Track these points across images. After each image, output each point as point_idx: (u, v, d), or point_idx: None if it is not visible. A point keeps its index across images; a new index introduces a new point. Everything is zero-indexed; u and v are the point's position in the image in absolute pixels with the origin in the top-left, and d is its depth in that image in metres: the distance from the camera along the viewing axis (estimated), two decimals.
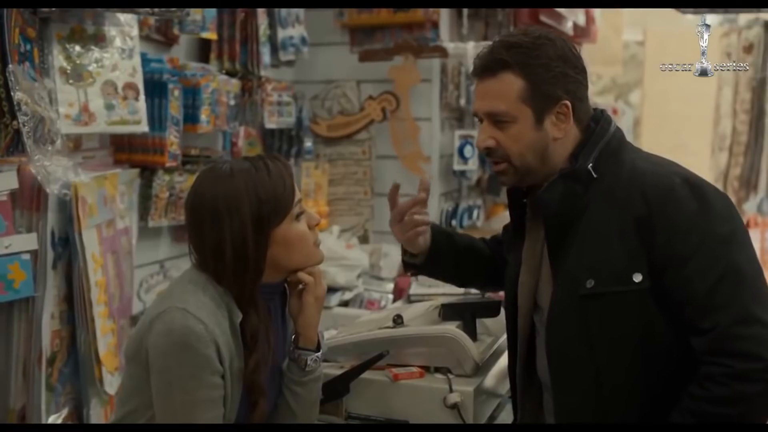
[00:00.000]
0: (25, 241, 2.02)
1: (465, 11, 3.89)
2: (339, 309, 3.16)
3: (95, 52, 2.26)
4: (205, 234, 1.56)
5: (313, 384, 1.69)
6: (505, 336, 1.92)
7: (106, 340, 2.26)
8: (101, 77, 2.28)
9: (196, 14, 2.76)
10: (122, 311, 2.42)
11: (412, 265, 1.96)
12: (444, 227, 2.01)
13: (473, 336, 1.92)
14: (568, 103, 1.59)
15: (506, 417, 1.98)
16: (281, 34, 3.36)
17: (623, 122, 5.67)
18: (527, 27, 1.67)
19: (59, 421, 2.13)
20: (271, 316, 1.65)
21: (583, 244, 1.57)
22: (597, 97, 6.72)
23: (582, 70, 1.64)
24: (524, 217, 1.76)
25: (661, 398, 1.53)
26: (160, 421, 1.53)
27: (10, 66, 1.87)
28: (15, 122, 1.88)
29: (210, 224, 1.54)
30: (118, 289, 2.38)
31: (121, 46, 2.34)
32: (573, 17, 4.50)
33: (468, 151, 3.83)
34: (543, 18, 4.03)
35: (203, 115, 2.77)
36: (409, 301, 2.46)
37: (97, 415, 2.26)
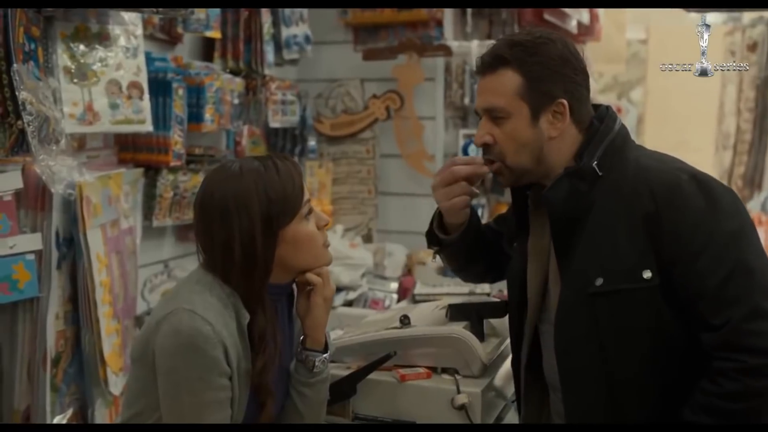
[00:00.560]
0: (30, 241, 2.02)
1: (469, 10, 3.88)
2: (343, 309, 3.15)
3: (99, 51, 2.26)
4: (214, 232, 1.55)
5: (321, 385, 1.69)
6: None
7: (111, 340, 2.25)
8: (105, 76, 2.27)
9: (200, 13, 2.75)
10: (127, 311, 2.41)
11: (438, 241, 1.87)
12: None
13: (480, 337, 1.91)
14: (564, 102, 1.60)
15: (513, 417, 1.97)
16: (285, 32, 3.35)
17: (627, 120, 5.63)
18: (532, 27, 1.69)
19: (64, 422, 2.13)
20: (278, 317, 1.65)
21: (590, 242, 1.57)
22: (599, 95, 6.70)
23: (582, 72, 1.64)
24: (527, 210, 1.76)
25: (671, 395, 1.53)
26: (167, 423, 1.52)
27: (15, 65, 1.86)
28: (20, 122, 1.88)
29: (219, 223, 1.54)
30: (122, 289, 2.38)
31: (126, 45, 2.33)
32: (577, 15, 4.49)
33: (472, 150, 3.81)
34: (547, 16, 4.02)
35: (207, 114, 2.76)
36: (414, 300, 2.44)
37: (101, 415, 2.26)
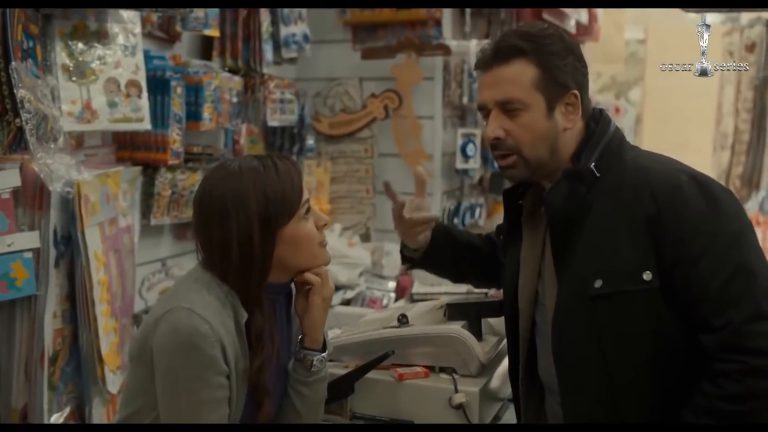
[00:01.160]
0: (28, 240, 2.01)
1: (468, 9, 3.88)
2: (341, 308, 3.15)
3: (98, 49, 2.25)
4: (212, 231, 1.55)
5: (319, 384, 1.69)
6: None
7: (109, 338, 2.25)
8: (104, 74, 2.26)
9: (198, 11, 2.75)
10: (124, 310, 2.41)
11: (410, 259, 1.99)
12: (445, 223, 2.01)
13: (478, 336, 1.91)
14: (577, 93, 1.60)
15: (511, 417, 1.97)
16: (284, 31, 3.35)
17: (625, 120, 5.66)
18: (533, 22, 1.67)
19: (61, 421, 2.12)
20: (276, 316, 1.64)
21: (589, 244, 1.56)
22: (597, 94, 6.71)
23: (585, 65, 1.65)
24: (520, 218, 1.75)
25: (670, 398, 1.52)
26: (165, 422, 1.52)
27: (13, 63, 1.86)
28: (18, 120, 1.87)
29: (217, 222, 1.54)
30: (120, 287, 2.37)
31: (124, 43, 2.33)
32: (576, 15, 4.50)
33: (470, 149, 3.83)
34: (546, 16, 4.02)
35: (206, 113, 2.76)
36: (412, 300, 2.44)
37: (99, 414, 2.26)
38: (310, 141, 3.65)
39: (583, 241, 1.57)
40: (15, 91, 1.85)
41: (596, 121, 1.64)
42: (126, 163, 2.53)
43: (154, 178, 2.63)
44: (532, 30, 1.61)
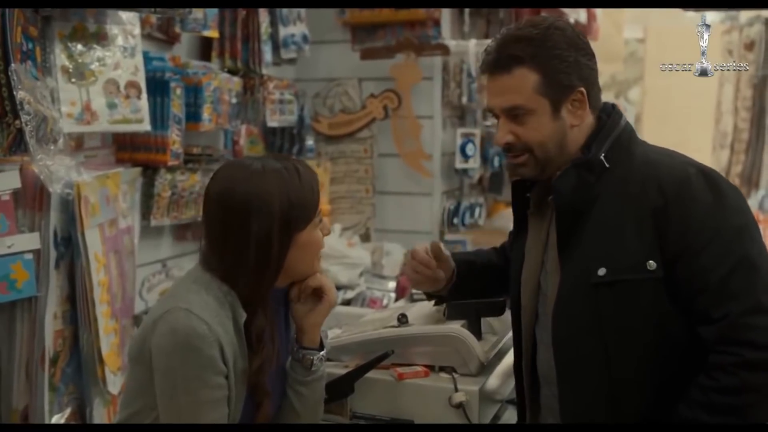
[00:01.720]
0: (28, 241, 2.02)
1: (467, 9, 3.88)
2: (341, 308, 3.14)
3: (97, 51, 2.26)
4: (230, 229, 1.54)
5: (317, 383, 1.69)
6: (509, 335, 1.92)
7: (109, 339, 2.26)
8: (103, 76, 2.27)
9: (197, 12, 2.75)
10: (125, 311, 2.41)
11: (438, 297, 2.01)
12: (465, 253, 2.08)
13: (478, 335, 1.91)
14: (583, 90, 1.60)
15: (511, 416, 1.97)
16: (283, 32, 3.35)
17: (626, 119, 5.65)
18: (534, 18, 1.67)
19: (62, 421, 2.13)
20: (276, 318, 1.65)
21: (594, 233, 1.57)
22: None
23: (592, 56, 1.64)
24: (526, 212, 1.76)
25: (669, 391, 1.53)
26: (164, 422, 1.52)
27: (13, 65, 1.86)
28: (17, 121, 1.87)
29: (239, 220, 1.53)
30: (120, 288, 2.38)
31: (123, 45, 2.33)
32: (575, 15, 4.50)
33: (470, 149, 3.83)
34: (545, 16, 4.01)
35: (205, 114, 2.76)
36: (412, 299, 2.44)
37: (99, 414, 2.26)
38: (310, 141, 3.66)
39: (588, 230, 1.58)
40: (15, 92, 1.86)
41: (608, 114, 1.66)
42: (126, 165, 2.53)
43: (154, 179, 2.64)
44: (531, 32, 1.59)
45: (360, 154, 3.86)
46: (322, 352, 1.68)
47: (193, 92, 2.73)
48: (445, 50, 3.62)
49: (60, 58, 2.16)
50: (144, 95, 2.39)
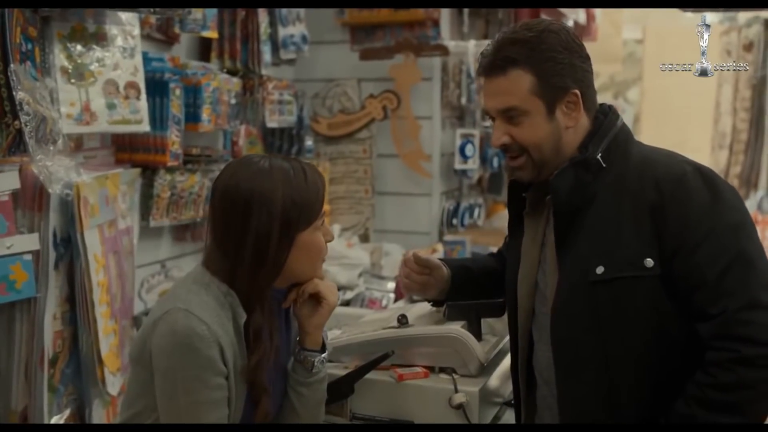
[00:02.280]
0: (27, 242, 2.01)
1: (466, 9, 3.88)
2: (340, 308, 3.13)
3: (96, 51, 2.26)
4: (231, 223, 1.55)
5: (319, 385, 1.69)
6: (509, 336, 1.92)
7: (108, 340, 2.25)
8: (102, 76, 2.27)
9: (196, 13, 2.75)
10: (124, 312, 2.41)
11: (437, 302, 2.02)
12: (462, 259, 2.10)
13: (478, 336, 1.91)
14: (577, 92, 1.61)
15: (511, 417, 1.97)
16: (282, 32, 3.35)
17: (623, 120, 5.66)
18: (529, 21, 1.68)
19: (61, 422, 2.12)
20: (275, 317, 1.64)
21: (591, 231, 1.58)
22: None
23: (587, 58, 1.66)
24: (523, 212, 1.77)
25: (666, 389, 1.53)
26: (164, 423, 1.52)
27: (12, 65, 1.86)
28: (17, 122, 1.87)
29: (240, 214, 1.53)
30: (119, 289, 2.37)
31: (123, 45, 2.33)
32: (574, 15, 4.50)
33: (469, 149, 3.83)
34: (544, 16, 4.02)
35: (204, 114, 2.76)
36: (412, 300, 2.44)
37: (99, 415, 2.26)
38: (309, 142, 3.66)
39: (585, 228, 1.59)
40: (14, 93, 1.85)
41: (605, 114, 1.67)
42: (125, 165, 2.53)
43: (153, 179, 2.63)
44: (526, 35, 1.61)
45: (359, 154, 3.86)
46: (323, 354, 1.68)
47: (193, 93, 2.73)
48: (444, 51, 3.62)
49: (59, 58, 2.16)
50: (143, 96, 2.39)
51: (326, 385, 1.72)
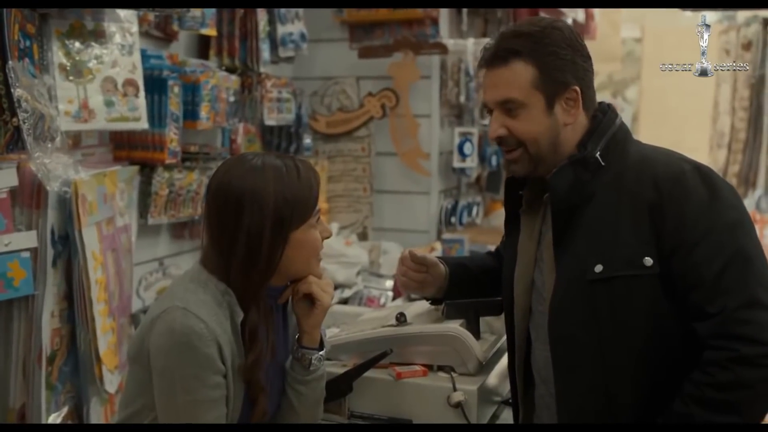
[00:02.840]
0: (25, 239, 2.01)
1: (465, 8, 3.88)
2: (338, 306, 3.13)
3: (95, 49, 2.25)
4: (223, 221, 1.55)
5: (317, 383, 1.69)
6: None
7: (106, 338, 2.25)
8: (101, 74, 2.26)
9: (195, 10, 2.75)
10: (122, 309, 2.41)
11: (435, 300, 2.02)
12: (459, 257, 2.09)
13: (477, 334, 1.91)
14: (577, 88, 1.61)
15: (509, 415, 1.97)
16: (281, 30, 3.35)
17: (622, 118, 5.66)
18: (533, 17, 1.68)
19: (59, 420, 2.12)
20: (272, 316, 1.64)
21: (589, 230, 1.57)
22: None
23: (588, 58, 1.66)
24: (518, 211, 1.77)
25: (664, 388, 1.53)
26: (162, 422, 1.52)
27: (10, 62, 1.85)
28: (15, 119, 1.87)
29: (232, 212, 1.53)
30: (117, 287, 2.37)
31: (121, 42, 2.33)
32: (572, 14, 4.50)
33: (467, 148, 3.83)
34: (542, 15, 4.02)
35: (203, 112, 2.76)
36: (410, 298, 2.44)
37: (97, 413, 2.25)
38: (307, 140, 3.66)
39: (584, 227, 1.58)
40: (12, 90, 1.85)
41: (603, 113, 1.67)
42: (123, 163, 2.53)
43: (152, 177, 2.63)
44: (530, 29, 1.62)
45: (357, 152, 3.86)
46: (321, 352, 1.68)
47: (191, 90, 2.72)
48: (443, 49, 3.61)
49: (57, 55, 2.15)
50: (142, 93, 2.38)
51: (324, 383, 1.72)
